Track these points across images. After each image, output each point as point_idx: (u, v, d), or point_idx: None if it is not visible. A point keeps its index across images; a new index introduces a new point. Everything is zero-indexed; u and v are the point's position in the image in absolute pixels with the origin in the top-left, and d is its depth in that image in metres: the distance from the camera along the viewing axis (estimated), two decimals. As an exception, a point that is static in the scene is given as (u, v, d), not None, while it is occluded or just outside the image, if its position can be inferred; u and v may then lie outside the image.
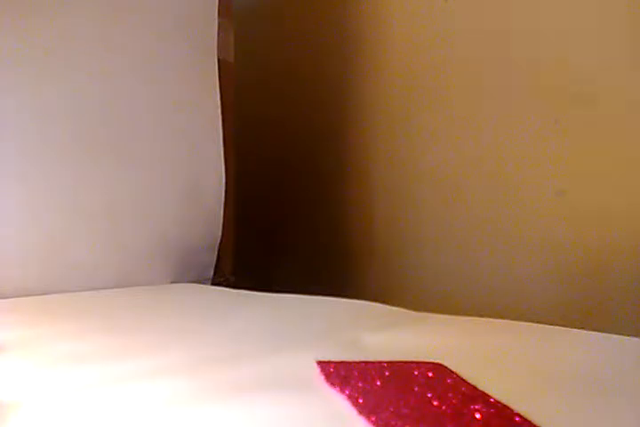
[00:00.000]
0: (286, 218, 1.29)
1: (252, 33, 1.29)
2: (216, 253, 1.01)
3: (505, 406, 0.40)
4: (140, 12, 0.95)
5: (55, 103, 0.86)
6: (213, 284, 1.00)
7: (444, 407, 0.40)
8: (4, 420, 0.41)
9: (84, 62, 0.90)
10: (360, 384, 0.44)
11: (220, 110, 1.01)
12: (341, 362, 0.49)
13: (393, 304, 0.73)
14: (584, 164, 0.93)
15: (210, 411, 0.41)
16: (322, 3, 1.24)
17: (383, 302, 0.74)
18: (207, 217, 1.00)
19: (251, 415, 0.41)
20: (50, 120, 0.86)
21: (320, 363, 0.49)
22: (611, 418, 0.41)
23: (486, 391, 0.43)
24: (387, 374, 0.47)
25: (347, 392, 0.43)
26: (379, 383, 0.45)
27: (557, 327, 0.64)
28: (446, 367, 0.48)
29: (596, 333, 0.62)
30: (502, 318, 0.67)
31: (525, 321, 0.65)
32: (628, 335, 0.59)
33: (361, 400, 0.42)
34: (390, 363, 0.49)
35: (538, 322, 0.65)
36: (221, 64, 1.03)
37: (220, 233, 1.01)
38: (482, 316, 0.68)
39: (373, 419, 0.39)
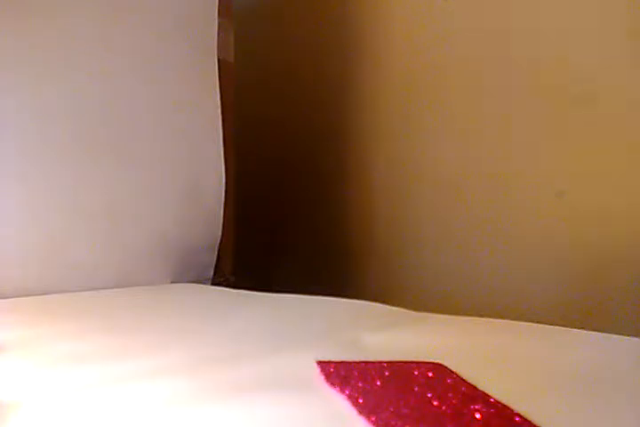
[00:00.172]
0: (286, 218, 1.29)
1: (252, 33, 1.29)
2: (216, 253, 1.01)
3: (505, 406, 0.40)
4: (139, 12, 0.95)
5: (55, 103, 0.86)
6: (213, 284, 1.00)
7: (444, 407, 0.40)
8: (3, 420, 0.41)
9: (83, 62, 0.90)
10: (360, 384, 0.44)
11: (219, 110, 1.01)
12: (341, 362, 0.49)
13: (393, 304, 0.73)
14: (584, 164, 0.93)
15: (210, 411, 0.41)
16: (322, 3, 1.24)
17: (383, 302, 0.74)
18: (207, 217, 1.00)
19: (251, 415, 0.41)
20: (50, 120, 0.86)
21: (320, 363, 0.49)
22: (611, 418, 0.41)
23: (486, 391, 0.43)
24: (387, 374, 0.47)
25: (347, 392, 0.43)
26: (379, 383, 0.45)
27: (557, 327, 0.64)
28: (446, 367, 0.48)
29: (596, 333, 0.62)
30: (502, 318, 0.67)
31: (525, 321, 0.65)
32: (628, 335, 0.59)
33: (361, 400, 0.42)
34: (390, 363, 0.49)
35: (538, 322, 0.65)
36: (221, 64, 1.03)
37: (219, 233, 1.01)
38: (482, 316, 0.68)
39: (373, 419, 0.39)
